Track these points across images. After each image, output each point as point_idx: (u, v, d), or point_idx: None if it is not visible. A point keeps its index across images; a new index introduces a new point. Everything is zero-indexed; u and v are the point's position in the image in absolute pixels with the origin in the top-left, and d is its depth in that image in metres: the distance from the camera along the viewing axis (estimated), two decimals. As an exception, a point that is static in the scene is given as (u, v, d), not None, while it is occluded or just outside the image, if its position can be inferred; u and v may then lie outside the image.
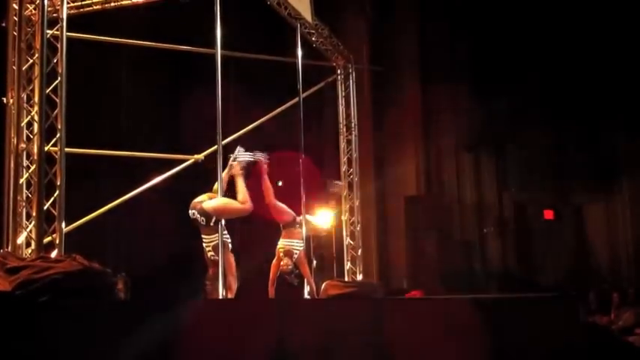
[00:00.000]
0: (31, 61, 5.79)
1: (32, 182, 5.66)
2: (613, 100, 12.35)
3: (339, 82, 10.32)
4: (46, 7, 5.74)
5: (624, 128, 12.57)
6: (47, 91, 5.77)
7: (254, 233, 8.54)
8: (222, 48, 6.99)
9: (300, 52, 8.41)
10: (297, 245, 7.49)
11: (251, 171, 7.04)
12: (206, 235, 6.72)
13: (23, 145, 5.74)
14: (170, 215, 8.55)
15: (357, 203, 9.99)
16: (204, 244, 6.76)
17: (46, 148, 5.64)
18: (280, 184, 8.25)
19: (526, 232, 12.77)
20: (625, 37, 11.95)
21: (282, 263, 7.36)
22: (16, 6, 5.96)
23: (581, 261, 12.59)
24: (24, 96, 5.83)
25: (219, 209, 6.64)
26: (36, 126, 5.67)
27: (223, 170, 6.83)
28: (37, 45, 5.70)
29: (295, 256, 7.45)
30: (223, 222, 6.65)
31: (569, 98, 12.36)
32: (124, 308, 4.71)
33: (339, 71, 10.30)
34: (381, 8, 12.37)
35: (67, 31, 5.96)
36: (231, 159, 6.96)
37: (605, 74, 12.26)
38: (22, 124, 5.77)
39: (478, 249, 12.68)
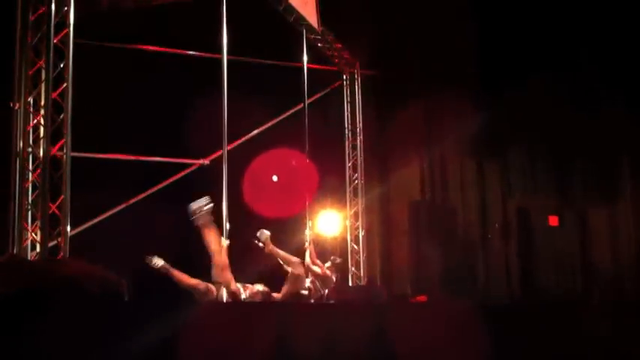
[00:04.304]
0: (38, 65, 5.84)
1: (38, 186, 5.70)
2: (617, 103, 12.33)
3: (345, 88, 10.34)
4: (53, 12, 5.79)
5: (629, 133, 12.54)
6: (54, 95, 5.82)
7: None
8: (228, 53, 7.05)
9: (305, 58, 8.45)
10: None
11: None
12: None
13: (29, 149, 5.77)
14: (174, 219, 8.57)
15: (361, 208, 10.00)
16: None
17: (52, 152, 5.68)
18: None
19: (530, 237, 12.73)
20: (632, 38, 11.92)
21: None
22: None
23: (584, 267, 12.55)
24: (30, 100, 5.87)
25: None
26: (42, 130, 5.72)
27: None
28: (45, 50, 5.75)
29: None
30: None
31: (573, 102, 12.34)
32: (127, 310, 4.74)
33: (344, 77, 10.32)
34: (386, 14, 12.37)
35: (75, 36, 6.00)
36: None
37: (609, 77, 12.23)
38: (29, 129, 5.81)
39: (482, 254, 12.64)
